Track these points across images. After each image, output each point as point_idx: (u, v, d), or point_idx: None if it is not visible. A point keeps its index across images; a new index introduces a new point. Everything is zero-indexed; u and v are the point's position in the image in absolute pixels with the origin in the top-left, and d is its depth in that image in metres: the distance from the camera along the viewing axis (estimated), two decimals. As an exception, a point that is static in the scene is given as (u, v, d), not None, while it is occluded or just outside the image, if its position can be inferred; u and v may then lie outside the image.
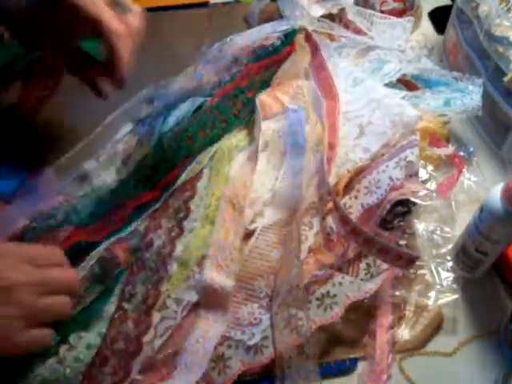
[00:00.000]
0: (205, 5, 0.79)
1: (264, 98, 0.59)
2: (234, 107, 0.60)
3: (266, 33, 0.63)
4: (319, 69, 0.61)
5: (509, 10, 0.58)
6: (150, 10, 0.78)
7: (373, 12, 0.72)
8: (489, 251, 0.49)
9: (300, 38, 0.64)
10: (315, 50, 0.63)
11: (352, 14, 0.70)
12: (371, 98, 0.55)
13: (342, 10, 0.70)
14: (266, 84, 0.62)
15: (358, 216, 0.50)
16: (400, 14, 0.73)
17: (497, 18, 0.57)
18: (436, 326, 0.51)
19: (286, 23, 0.65)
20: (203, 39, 0.66)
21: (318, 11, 0.68)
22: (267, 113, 0.58)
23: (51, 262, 0.45)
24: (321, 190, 0.50)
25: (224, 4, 0.79)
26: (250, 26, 0.73)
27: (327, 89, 0.57)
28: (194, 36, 0.74)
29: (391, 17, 0.72)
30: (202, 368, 0.44)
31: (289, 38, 0.63)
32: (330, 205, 0.50)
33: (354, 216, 0.50)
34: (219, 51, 0.63)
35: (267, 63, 0.61)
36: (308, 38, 0.64)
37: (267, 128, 0.57)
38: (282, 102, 0.58)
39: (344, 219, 0.47)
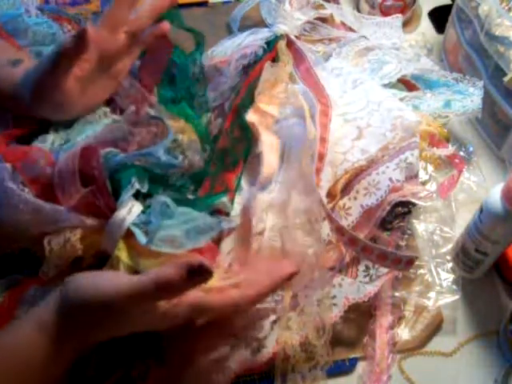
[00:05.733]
0: (204, 4, 0.79)
1: (250, 118, 0.57)
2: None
3: (248, 41, 0.62)
4: (306, 74, 0.60)
5: (509, 9, 0.58)
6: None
7: (359, 14, 0.73)
8: (489, 251, 0.49)
9: (282, 44, 0.62)
10: (299, 56, 0.62)
11: (340, 17, 0.70)
12: (370, 101, 0.55)
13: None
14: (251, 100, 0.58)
15: (358, 217, 0.50)
16: (400, 11, 0.73)
17: (497, 18, 0.57)
18: (436, 326, 0.51)
19: (267, 30, 0.63)
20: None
21: (301, 18, 0.68)
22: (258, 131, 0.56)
23: None
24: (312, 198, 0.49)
25: (224, 4, 0.79)
26: (231, 31, 0.73)
27: (318, 94, 0.56)
28: (193, 36, 0.74)
29: (377, 17, 0.73)
30: None
31: (271, 44, 0.61)
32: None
33: (354, 217, 0.50)
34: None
35: (251, 77, 0.58)
36: (290, 44, 0.63)
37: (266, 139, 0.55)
38: (271, 114, 0.57)
39: (339, 230, 0.47)
